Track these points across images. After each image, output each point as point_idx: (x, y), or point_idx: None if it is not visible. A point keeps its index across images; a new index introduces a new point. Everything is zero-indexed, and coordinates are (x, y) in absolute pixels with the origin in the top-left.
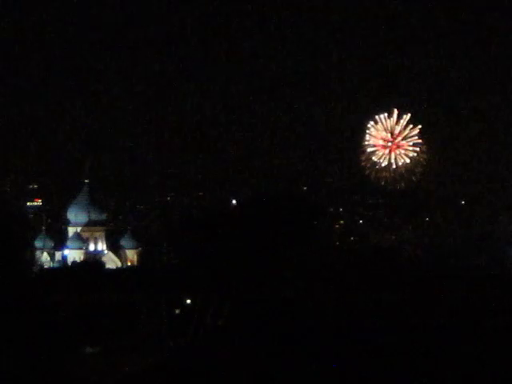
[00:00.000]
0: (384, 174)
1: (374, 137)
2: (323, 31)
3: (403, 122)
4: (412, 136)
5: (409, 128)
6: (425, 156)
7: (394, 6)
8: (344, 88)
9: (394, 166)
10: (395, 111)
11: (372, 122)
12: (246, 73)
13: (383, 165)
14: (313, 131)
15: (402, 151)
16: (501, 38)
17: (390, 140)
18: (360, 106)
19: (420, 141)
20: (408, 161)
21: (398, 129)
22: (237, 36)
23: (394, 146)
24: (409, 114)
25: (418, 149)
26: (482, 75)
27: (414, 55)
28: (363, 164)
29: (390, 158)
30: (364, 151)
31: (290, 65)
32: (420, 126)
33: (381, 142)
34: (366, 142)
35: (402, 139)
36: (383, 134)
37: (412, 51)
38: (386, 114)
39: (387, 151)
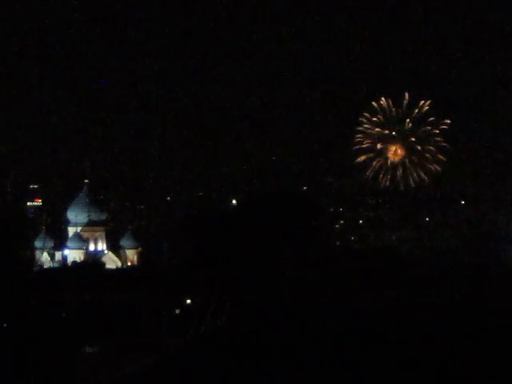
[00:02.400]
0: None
1: (368, 136)
2: (322, 29)
3: (418, 111)
4: (434, 136)
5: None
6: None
7: None
8: (344, 81)
9: (402, 188)
10: (406, 96)
11: (367, 114)
12: (246, 72)
13: (384, 184)
14: (313, 131)
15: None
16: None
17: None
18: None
19: (446, 144)
20: (425, 178)
21: (408, 123)
22: (237, 35)
23: (402, 152)
24: (429, 101)
25: (444, 159)
26: (482, 73)
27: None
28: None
29: (395, 173)
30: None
31: (290, 64)
32: (449, 121)
33: (379, 147)
34: (357, 147)
35: (416, 140)
36: (385, 132)
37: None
38: (390, 101)
39: (391, 161)
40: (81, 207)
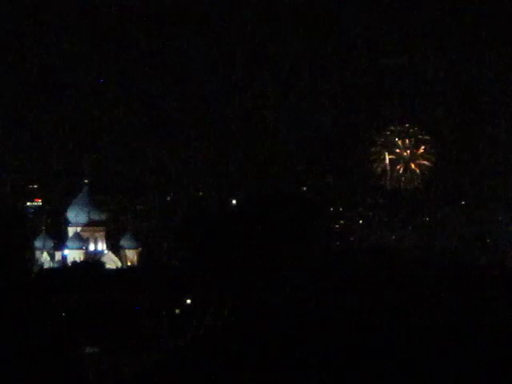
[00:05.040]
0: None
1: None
2: (324, 30)
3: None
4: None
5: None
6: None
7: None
8: (344, 87)
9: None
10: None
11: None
12: (247, 72)
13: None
14: (313, 131)
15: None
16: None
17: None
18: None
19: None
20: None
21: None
22: (238, 36)
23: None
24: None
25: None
26: (482, 74)
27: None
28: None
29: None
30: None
31: (291, 65)
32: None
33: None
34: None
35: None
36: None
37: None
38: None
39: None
40: (81, 207)
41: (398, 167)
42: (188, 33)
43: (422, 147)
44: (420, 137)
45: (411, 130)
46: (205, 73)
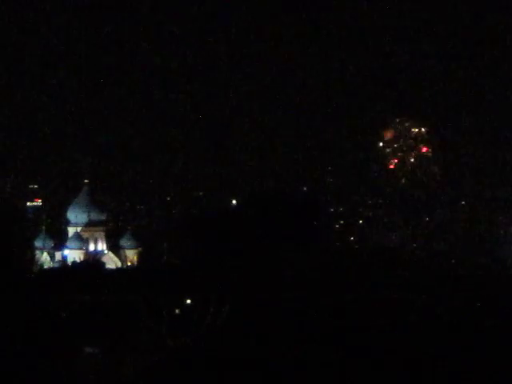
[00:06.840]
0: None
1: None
2: (325, 31)
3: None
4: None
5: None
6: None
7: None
8: (345, 88)
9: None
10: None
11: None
12: (247, 72)
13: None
14: (313, 131)
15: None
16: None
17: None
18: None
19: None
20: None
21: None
22: (238, 36)
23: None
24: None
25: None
26: (482, 74)
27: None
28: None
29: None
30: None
31: (291, 65)
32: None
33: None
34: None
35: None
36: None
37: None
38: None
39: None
40: (81, 207)
41: (401, 174)
42: (189, 33)
43: (429, 150)
44: (426, 138)
45: (417, 133)
46: (205, 72)
